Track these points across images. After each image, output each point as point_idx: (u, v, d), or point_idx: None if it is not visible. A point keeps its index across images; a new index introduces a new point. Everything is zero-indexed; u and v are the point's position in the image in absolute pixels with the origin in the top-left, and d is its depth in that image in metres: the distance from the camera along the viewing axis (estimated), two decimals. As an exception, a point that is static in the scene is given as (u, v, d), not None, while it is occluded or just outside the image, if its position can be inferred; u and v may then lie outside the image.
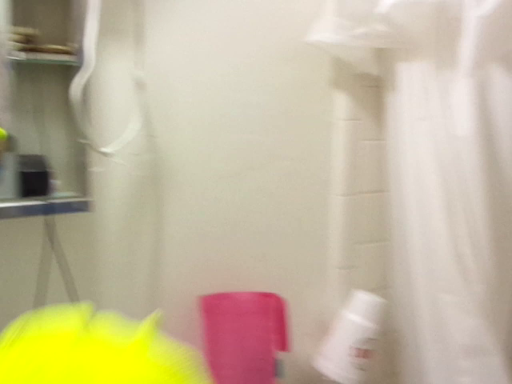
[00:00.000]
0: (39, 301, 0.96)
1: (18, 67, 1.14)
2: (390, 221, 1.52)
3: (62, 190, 1.08)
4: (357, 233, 1.53)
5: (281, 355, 1.30)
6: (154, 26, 1.17)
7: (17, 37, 1.17)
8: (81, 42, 1.16)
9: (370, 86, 1.48)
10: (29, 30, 1.16)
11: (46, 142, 1.05)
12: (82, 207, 1.06)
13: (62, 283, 1.00)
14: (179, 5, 1.20)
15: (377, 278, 1.58)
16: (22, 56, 1.16)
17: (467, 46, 1.12)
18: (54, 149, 1.07)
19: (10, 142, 1.07)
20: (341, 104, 1.46)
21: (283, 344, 1.33)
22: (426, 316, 1.39)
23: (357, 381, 1.39)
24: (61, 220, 1.04)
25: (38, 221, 1.03)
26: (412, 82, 1.31)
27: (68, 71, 1.29)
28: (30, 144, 1.05)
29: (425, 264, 1.36)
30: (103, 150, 1.07)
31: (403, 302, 1.49)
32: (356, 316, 1.42)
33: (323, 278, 1.52)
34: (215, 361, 1.22)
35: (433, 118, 1.27)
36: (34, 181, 1.03)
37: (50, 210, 1.02)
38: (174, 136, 1.23)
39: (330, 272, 1.52)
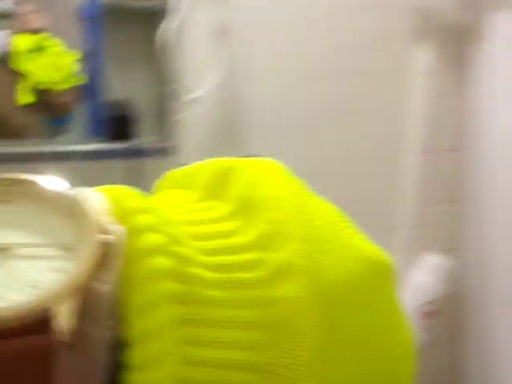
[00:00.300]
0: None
1: (105, 11, 1.14)
2: (467, 181, 1.47)
3: (145, 135, 1.08)
4: (429, 192, 1.49)
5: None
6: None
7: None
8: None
9: (452, 38, 1.42)
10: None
11: (131, 87, 1.05)
12: (164, 152, 1.06)
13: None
14: None
15: (446, 240, 1.55)
16: (107, 1, 1.16)
17: None
18: (138, 94, 1.07)
19: (86, 89, 1.08)
20: (421, 57, 1.40)
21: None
22: (499, 281, 1.36)
23: (420, 342, 1.38)
24: (144, 164, 1.05)
25: (123, 164, 1.04)
26: (501, 35, 1.24)
27: (154, 16, 1.28)
28: (116, 90, 1.05)
29: (506, 226, 1.32)
30: (187, 95, 1.06)
31: (474, 264, 1.46)
32: (423, 277, 1.40)
33: (390, 238, 1.49)
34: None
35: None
36: (119, 125, 1.04)
37: (134, 154, 1.03)
38: (255, 84, 1.21)
39: (398, 231, 1.50)
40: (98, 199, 0.26)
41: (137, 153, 1.04)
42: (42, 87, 0.92)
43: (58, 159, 1.03)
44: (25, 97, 0.93)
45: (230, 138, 1.21)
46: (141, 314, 0.23)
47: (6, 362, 0.22)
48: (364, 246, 0.29)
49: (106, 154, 1.04)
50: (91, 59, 1.09)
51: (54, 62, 0.95)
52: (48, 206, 0.26)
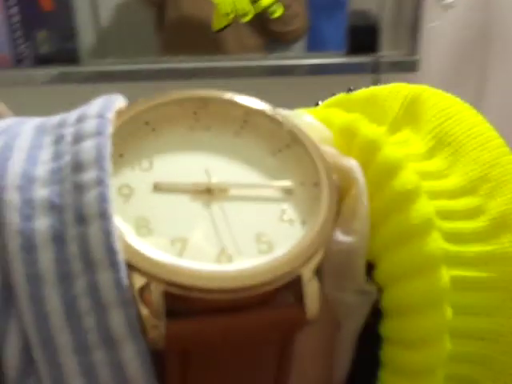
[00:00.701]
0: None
1: None
2: None
3: (388, 47, 1.02)
4: None
5: None
6: None
7: None
8: None
9: None
10: None
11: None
12: (407, 66, 1.00)
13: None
14: None
15: None
16: None
17: None
18: (384, 2, 1.01)
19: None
20: None
21: None
22: None
23: None
24: (386, 79, 1.00)
25: (362, 79, 1.00)
26: None
27: None
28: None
29: None
30: (438, 2, 0.97)
31: None
32: None
33: None
34: None
35: None
36: (362, 37, 1.00)
37: (375, 67, 0.98)
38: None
39: None
40: (320, 126, 0.22)
41: (379, 67, 0.99)
42: (231, 16, 0.93)
43: (288, 73, 1.03)
44: (218, 22, 0.95)
45: (482, 52, 1.08)
46: (410, 276, 0.19)
47: (246, 339, 0.17)
48: None
49: (345, 67, 1.01)
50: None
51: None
52: (256, 133, 0.20)
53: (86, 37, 1.05)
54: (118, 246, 0.16)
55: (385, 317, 0.20)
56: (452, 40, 1.06)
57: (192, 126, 0.20)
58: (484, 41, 1.08)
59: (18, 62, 1.01)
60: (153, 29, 1.08)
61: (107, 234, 0.16)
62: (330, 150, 0.21)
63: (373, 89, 0.24)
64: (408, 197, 0.19)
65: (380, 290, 0.20)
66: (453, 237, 0.20)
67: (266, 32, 1.03)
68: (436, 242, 0.19)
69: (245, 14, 0.92)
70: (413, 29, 0.99)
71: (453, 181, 0.21)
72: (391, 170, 0.20)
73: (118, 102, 0.20)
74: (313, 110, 0.24)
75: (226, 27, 0.95)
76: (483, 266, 0.20)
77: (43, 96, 1.02)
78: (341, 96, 0.25)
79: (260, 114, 0.20)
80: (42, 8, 1.00)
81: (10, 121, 0.20)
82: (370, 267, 0.20)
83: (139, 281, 0.16)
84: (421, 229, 0.19)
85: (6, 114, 0.20)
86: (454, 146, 0.22)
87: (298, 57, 1.07)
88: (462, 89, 1.09)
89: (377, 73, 0.98)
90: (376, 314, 0.20)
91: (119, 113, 0.19)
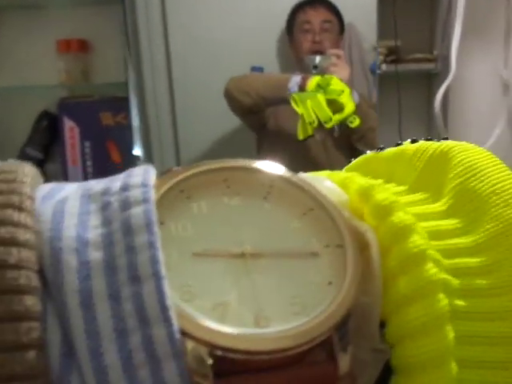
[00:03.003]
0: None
1: (381, 78, 1.19)
2: None
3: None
4: None
5: None
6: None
7: (381, 49, 1.23)
8: (443, 48, 1.13)
9: None
10: (391, 43, 1.20)
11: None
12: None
13: None
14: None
15: None
16: (385, 68, 1.20)
17: None
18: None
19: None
20: None
21: None
22: None
23: None
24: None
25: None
26: None
27: (428, 79, 1.27)
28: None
29: None
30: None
31: None
32: None
33: None
34: None
35: None
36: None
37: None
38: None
39: None
40: (338, 190, 0.23)
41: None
42: (315, 124, 0.98)
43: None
44: (303, 132, 1.00)
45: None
46: (417, 335, 0.20)
47: None
48: None
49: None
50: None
51: (327, 101, 0.99)
52: (282, 198, 0.22)
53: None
54: (170, 304, 0.17)
55: (395, 374, 0.20)
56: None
57: (223, 192, 0.22)
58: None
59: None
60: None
61: (160, 292, 0.17)
62: (345, 214, 0.22)
63: (402, 147, 0.26)
64: (415, 260, 0.20)
65: (391, 348, 0.20)
66: (465, 293, 0.21)
67: (351, 151, 1.12)
68: (442, 302, 0.20)
69: (326, 121, 0.97)
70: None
71: (473, 238, 0.21)
72: (400, 234, 0.21)
73: (153, 172, 0.21)
74: (333, 173, 0.25)
75: (309, 137, 1.02)
76: (493, 322, 0.20)
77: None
78: (371, 154, 0.27)
79: (284, 180, 0.22)
80: (113, 161, 1.19)
81: (50, 186, 0.21)
82: (382, 326, 0.21)
83: (187, 343, 0.17)
84: (427, 290, 0.20)
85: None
86: (476, 203, 0.22)
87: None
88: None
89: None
90: (388, 371, 0.21)
91: (157, 183, 0.20)
